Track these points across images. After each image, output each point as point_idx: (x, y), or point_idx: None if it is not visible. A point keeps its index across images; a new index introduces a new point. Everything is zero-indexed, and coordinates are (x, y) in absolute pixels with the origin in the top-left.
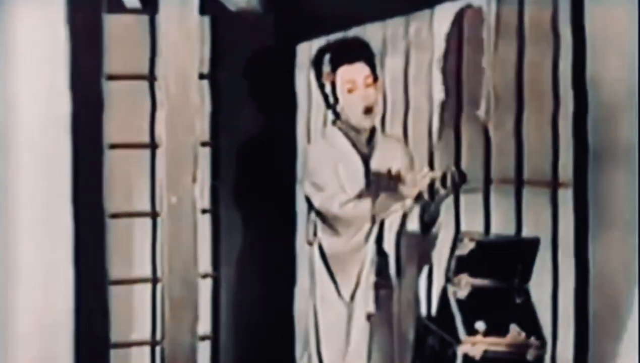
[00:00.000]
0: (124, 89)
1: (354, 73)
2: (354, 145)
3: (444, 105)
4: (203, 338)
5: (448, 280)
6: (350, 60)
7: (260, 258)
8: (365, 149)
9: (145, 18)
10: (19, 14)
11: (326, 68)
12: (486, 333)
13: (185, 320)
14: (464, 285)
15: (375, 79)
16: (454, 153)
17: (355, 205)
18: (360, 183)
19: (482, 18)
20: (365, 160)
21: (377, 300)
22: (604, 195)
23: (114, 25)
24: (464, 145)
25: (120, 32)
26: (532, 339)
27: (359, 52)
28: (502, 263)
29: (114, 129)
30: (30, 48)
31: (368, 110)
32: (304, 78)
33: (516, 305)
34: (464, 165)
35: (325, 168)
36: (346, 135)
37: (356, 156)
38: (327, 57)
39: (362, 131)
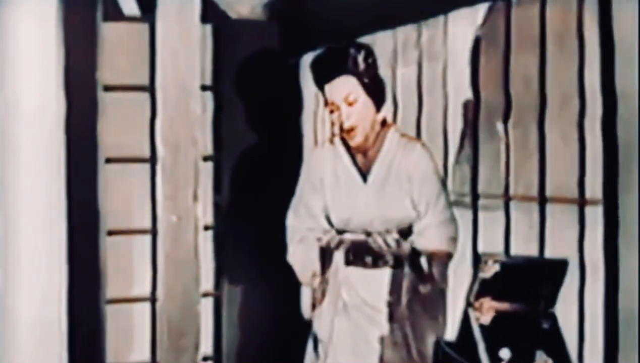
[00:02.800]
0: (123, 101)
1: (332, 93)
2: (352, 156)
3: (467, 109)
4: (205, 359)
5: (469, 304)
6: (329, 78)
7: (265, 276)
8: (364, 162)
9: (144, 26)
10: (10, 23)
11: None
12: (511, 361)
13: (185, 348)
14: (487, 310)
15: (368, 88)
16: (471, 166)
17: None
18: (353, 200)
19: (502, 22)
20: (364, 174)
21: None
22: (636, 212)
23: (111, 33)
24: (481, 158)
25: (118, 41)
26: None
27: (339, 66)
28: (527, 287)
29: (112, 142)
30: (23, 59)
31: (349, 131)
32: (309, 88)
33: (542, 331)
34: (481, 179)
35: (314, 181)
36: (348, 149)
37: (353, 169)
38: (312, 76)
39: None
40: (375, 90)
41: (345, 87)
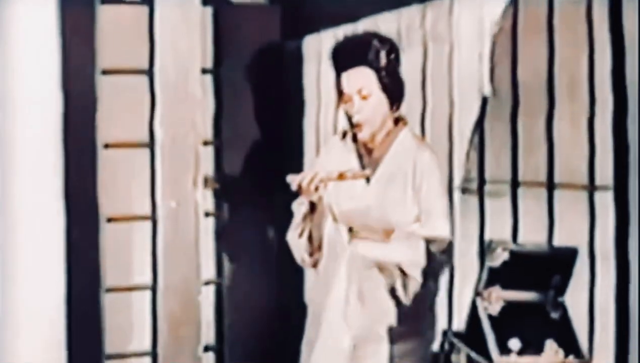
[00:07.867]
0: (122, 84)
1: (348, 84)
2: (360, 156)
3: (485, 104)
4: (207, 349)
5: (478, 294)
6: (347, 66)
7: (267, 262)
8: (370, 162)
9: (143, 9)
10: (8, 6)
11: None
12: (521, 352)
13: (186, 338)
14: (496, 300)
15: (384, 85)
16: (478, 152)
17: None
18: (354, 200)
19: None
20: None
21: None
22: None
23: (110, 16)
24: (488, 144)
25: (118, 24)
26: (571, 358)
27: (359, 55)
28: (537, 275)
29: (110, 127)
30: (20, 43)
31: (357, 125)
32: (311, 72)
33: (552, 321)
34: (488, 166)
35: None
36: (357, 148)
37: (358, 168)
38: (330, 63)
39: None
40: (393, 88)
41: (361, 79)
